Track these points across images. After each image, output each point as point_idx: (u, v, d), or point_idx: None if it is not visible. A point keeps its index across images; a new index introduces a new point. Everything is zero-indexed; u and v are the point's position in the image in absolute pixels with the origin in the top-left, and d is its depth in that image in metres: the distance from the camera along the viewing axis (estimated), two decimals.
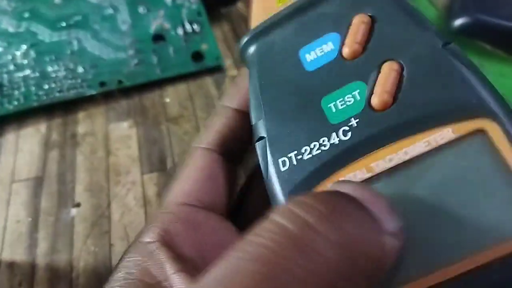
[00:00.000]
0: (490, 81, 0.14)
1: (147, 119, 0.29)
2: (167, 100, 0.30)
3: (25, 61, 0.31)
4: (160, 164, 0.27)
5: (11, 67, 0.30)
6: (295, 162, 0.15)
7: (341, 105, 0.16)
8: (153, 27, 0.33)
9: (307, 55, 0.17)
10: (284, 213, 0.11)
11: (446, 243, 0.13)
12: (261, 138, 0.17)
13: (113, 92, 0.30)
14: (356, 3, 0.17)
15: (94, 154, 0.27)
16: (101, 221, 0.24)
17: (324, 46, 0.17)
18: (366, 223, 0.11)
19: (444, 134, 0.14)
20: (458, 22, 0.32)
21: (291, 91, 0.17)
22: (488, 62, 0.32)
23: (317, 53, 0.17)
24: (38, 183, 0.26)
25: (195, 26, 0.33)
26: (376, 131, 0.15)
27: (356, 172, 0.15)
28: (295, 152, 0.15)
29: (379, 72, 0.16)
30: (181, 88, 0.31)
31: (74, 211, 0.25)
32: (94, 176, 0.26)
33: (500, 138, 0.13)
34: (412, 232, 0.13)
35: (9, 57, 0.31)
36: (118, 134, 0.28)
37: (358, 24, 0.17)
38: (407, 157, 0.14)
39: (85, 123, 0.29)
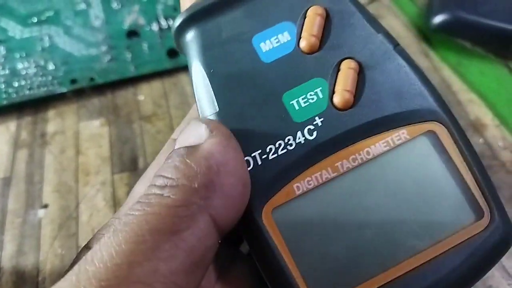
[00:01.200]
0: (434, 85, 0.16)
1: (119, 118, 0.29)
2: (141, 97, 0.30)
3: None
4: (131, 164, 0.26)
5: None
6: (260, 162, 0.15)
7: (304, 102, 0.16)
8: (127, 23, 0.32)
9: (262, 44, 0.17)
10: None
11: (400, 240, 0.14)
12: None
13: (85, 90, 0.30)
14: None
15: (63, 154, 0.27)
16: (69, 222, 0.24)
17: (280, 36, 0.17)
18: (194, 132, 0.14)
19: (400, 135, 0.15)
20: (438, 19, 0.32)
21: (249, 83, 0.16)
22: (467, 60, 0.32)
23: (273, 43, 0.17)
24: (5, 183, 0.26)
25: (171, 22, 0.33)
26: (340, 131, 0.15)
27: (322, 172, 0.15)
28: (259, 151, 0.15)
29: (338, 69, 0.16)
30: (156, 85, 0.30)
31: (41, 212, 0.24)
32: (62, 176, 0.26)
33: (447, 138, 0.15)
34: (371, 230, 0.14)
35: None
36: (89, 132, 0.28)
37: (314, 15, 0.17)
38: (369, 157, 0.15)
39: (55, 121, 0.28)
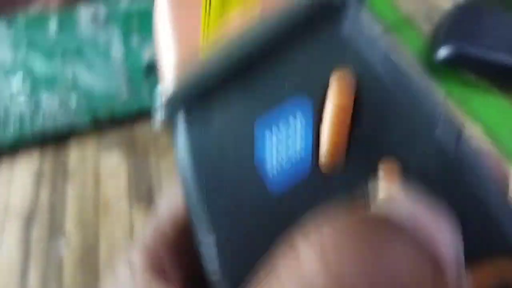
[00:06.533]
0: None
1: (137, 151, 0.30)
2: (159, 131, 0.31)
3: (21, 93, 0.32)
4: (148, 196, 0.27)
5: (7, 98, 0.31)
6: None
7: None
8: (146, 57, 0.34)
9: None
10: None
11: None
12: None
13: (105, 123, 0.31)
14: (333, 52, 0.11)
15: (84, 186, 0.28)
16: (90, 253, 0.25)
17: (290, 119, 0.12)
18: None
19: None
20: (442, 53, 0.33)
21: (253, 214, 0.12)
22: (472, 93, 0.33)
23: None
24: (30, 216, 0.27)
25: None
26: None
27: None
28: None
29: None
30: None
31: (63, 243, 0.26)
32: (83, 208, 0.27)
33: None
34: None
35: (5, 88, 0.32)
36: (108, 165, 0.29)
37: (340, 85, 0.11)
38: None
39: (76, 154, 0.30)
